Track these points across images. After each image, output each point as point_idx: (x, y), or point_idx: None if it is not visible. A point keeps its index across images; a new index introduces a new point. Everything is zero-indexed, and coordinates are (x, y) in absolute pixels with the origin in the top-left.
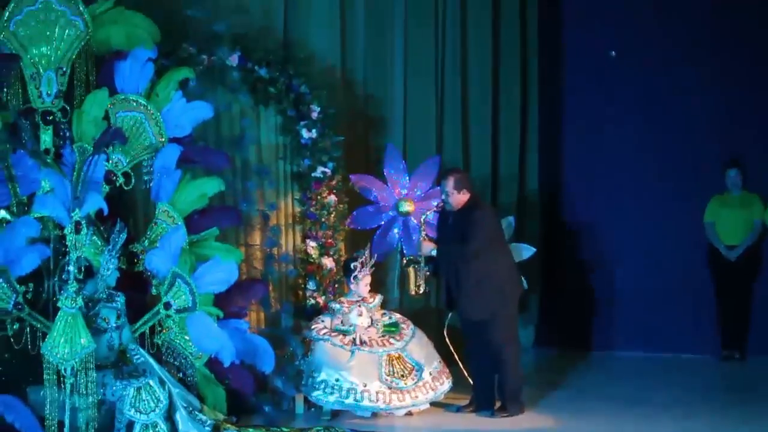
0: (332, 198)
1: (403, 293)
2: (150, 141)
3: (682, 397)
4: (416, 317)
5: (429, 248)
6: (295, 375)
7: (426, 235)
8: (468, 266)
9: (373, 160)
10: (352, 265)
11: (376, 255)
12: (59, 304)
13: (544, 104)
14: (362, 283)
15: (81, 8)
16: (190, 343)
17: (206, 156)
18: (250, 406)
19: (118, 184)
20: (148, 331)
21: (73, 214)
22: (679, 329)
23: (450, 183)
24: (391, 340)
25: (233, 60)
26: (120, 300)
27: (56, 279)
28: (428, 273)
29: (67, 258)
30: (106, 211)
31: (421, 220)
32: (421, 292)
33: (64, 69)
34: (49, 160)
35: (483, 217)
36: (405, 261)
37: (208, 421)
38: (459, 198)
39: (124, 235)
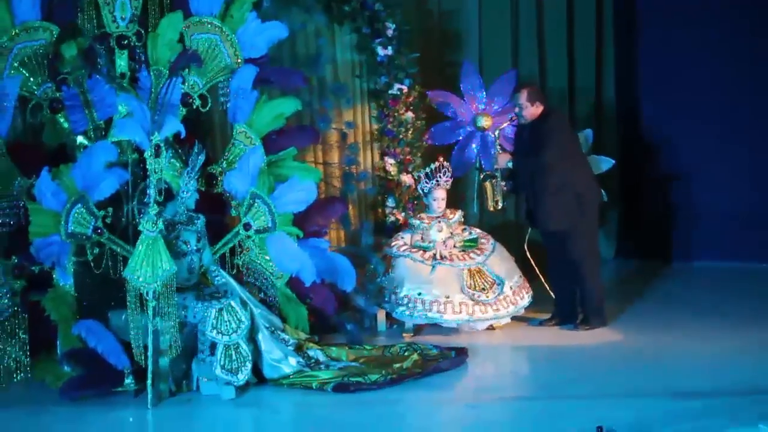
0: (409, 114)
1: (483, 209)
2: (225, 62)
3: (763, 306)
4: (496, 232)
5: (505, 160)
6: (376, 292)
7: (501, 147)
8: (544, 177)
9: (449, 75)
10: (416, 176)
11: (447, 170)
12: (140, 228)
13: (620, 14)
14: (431, 197)
15: None
16: (271, 264)
17: (282, 76)
18: (332, 325)
19: (195, 107)
20: (228, 252)
21: (152, 138)
22: (761, 238)
23: (523, 96)
24: (472, 255)
25: None
26: (200, 222)
27: (135, 203)
28: (506, 188)
29: (147, 181)
30: (183, 134)
31: (495, 134)
32: (499, 207)
33: None
34: (125, 85)
35: (558, 127)
36: (482, 176)
37: (291, 341)
38: (533, 111)
39: (202, 157)
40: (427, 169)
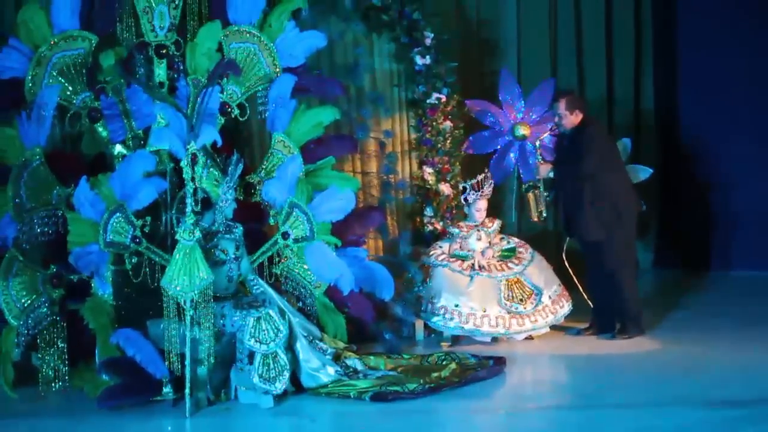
0: (448, 124)
1: (522, 218)
2: (264, 71)
3: None
4: (535, 241)
5: (546, 170)
6: (414, 301)
7: (542, 158)
8: (584, 185)
9: (487, 84)
10: (461, 186)
11: (492, 181)
12: (177, 237)
13: (658, 23)
14: (474, 207)
15: None
16: (309, 273)
17: (321, 85)
18: (371, 334)
19: (233, 116)
20: (266, 261)
21: (189, 147)
22: None
23: (562, 105)
24: (510, 264)
25: None
26: (238, 231)
27: (173, 212)
28: (548, 198)
29: (184, 190)
30: (219, 143)
31: (536, 144)
32: (543, 217)
33: (177, 2)
34: (163, 94)
35: (597, 136)
36: (525, 186)
37: (329, 350)
38: (572, 119)
39: (241, 166)
40: (473, 181)
